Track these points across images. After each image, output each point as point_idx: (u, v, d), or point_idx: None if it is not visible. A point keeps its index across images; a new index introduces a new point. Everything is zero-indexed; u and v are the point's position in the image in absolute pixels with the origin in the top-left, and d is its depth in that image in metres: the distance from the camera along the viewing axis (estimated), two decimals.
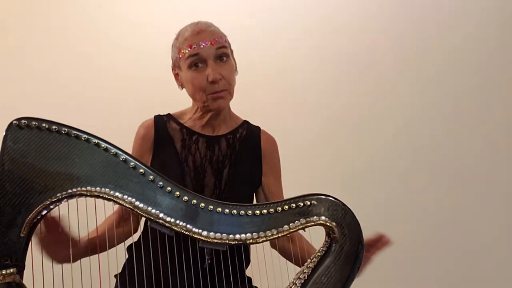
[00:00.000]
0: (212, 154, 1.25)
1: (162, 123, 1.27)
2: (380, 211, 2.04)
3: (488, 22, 2.14)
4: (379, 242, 1.06)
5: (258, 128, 1.35)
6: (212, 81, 1.16)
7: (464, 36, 2.14)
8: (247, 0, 2.20)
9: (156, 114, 1.30)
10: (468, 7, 2.15)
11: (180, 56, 1.20)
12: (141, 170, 0.89)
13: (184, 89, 1.27)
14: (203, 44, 1.16)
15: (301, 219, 0.93)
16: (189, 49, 1.16)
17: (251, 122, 1.36)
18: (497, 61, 2.13)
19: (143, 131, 1.26)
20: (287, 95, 2.15)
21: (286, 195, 1.31)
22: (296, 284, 0.96)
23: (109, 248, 1.02)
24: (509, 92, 2.12)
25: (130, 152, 1.20)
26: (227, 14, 1.96)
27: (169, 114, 1.30)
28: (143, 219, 1.12)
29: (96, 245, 1.04)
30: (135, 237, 1.25)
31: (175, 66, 1.25)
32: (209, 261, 1.15)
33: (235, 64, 1.27)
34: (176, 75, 1.27)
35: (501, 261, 2.04)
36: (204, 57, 1.16)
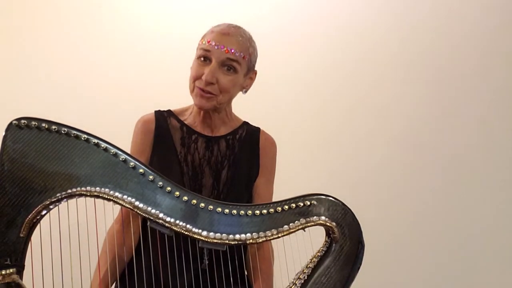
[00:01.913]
0: (211, 155, 1.24)
1: (163, 118, 1.25)
2: (381, 211, 2.04)
3: (493, 21, 2.13)
4: None
5: (258, 128, 1.34)
6: (204, 79, 1.15)
7: (463, 37, 2.13)
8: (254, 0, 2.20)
9: None
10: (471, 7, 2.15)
11: (199, 43, 1.20)
12: (141, 170, 0.89)
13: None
14: (218, 46, 1.15)
15: (301, 219, 0.93)
16: (207, 42, 1.17)
17: (253, 123, 1.35)
18: (500, 61, 2.12)
19: (144, 125, 1.24)
20: (290, 96, 2.15)
21: (287, 196, 1.30)
22: (296, 284, 0.96)
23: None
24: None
25: (130, 148, 1.21)
26: (227, 14, 1.95)
27: (169, 110, 1.28)
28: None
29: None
30: None
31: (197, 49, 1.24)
32: (207, 262, 1.15)
33: (245, 84, 1.25)
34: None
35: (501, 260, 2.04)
36: (212, 57, 1.16)
